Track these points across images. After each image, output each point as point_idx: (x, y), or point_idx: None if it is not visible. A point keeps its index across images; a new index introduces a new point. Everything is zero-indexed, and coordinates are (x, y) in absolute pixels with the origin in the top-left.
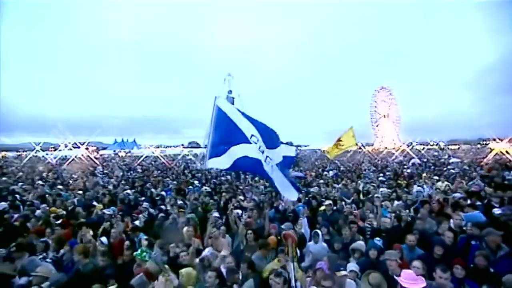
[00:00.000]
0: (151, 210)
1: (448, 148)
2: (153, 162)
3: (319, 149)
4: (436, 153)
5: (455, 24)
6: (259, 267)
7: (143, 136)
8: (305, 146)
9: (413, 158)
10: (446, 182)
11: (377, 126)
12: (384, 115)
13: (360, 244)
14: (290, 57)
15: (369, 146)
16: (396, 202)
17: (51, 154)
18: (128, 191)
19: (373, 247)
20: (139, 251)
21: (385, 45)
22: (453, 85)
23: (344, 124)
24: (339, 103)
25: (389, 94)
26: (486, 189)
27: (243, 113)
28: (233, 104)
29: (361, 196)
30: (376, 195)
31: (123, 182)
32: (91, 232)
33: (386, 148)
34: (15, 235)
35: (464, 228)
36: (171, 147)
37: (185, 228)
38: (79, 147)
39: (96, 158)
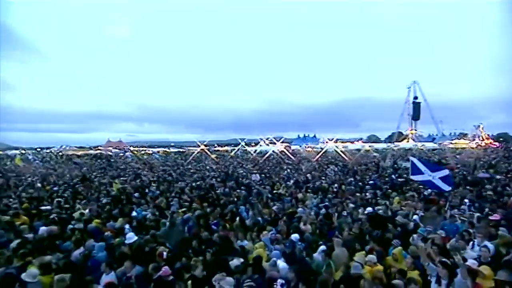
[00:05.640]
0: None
1: None
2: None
3: None
4: None
5: None
6: None
7: (321, 130)
8: None
9: None
10: None
11: None
12: None
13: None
14: None
15: None
16: None
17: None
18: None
19: None
20: None
21: None
22: None
23: None
24: None
25: None
26: None
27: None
28: (419, 108)
29: None
30: None
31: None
32: None
33: None
34: None
35: None
36: (349, 141)
37: None
38: (275, 143)
39: (292, 154)
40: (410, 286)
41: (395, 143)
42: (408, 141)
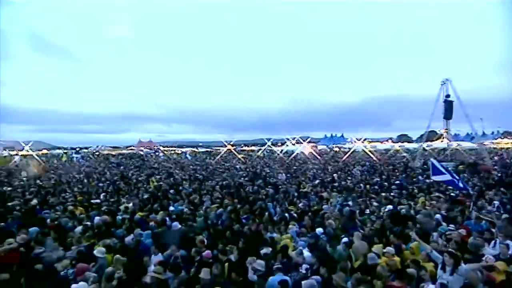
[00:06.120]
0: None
1: None
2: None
3: None
4: None
5: None
6: None
7: (349, 129)
8: None
9: None
10: None
11: None
12: None
13: None
14: None
15: None
16: None
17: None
18: (377, 178)
19: None
20: None
21: None
22: None
23: None
24: None
25: None
26: None
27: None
28: (451, 107)
29: None
30: None
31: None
32: None
33: None
34: None
35: None
36: (378, 141)
37: None
38: (301, 143)
39: (319, 155)
40: (421, 272)
41: (427, 142)
42: (442, 141)
